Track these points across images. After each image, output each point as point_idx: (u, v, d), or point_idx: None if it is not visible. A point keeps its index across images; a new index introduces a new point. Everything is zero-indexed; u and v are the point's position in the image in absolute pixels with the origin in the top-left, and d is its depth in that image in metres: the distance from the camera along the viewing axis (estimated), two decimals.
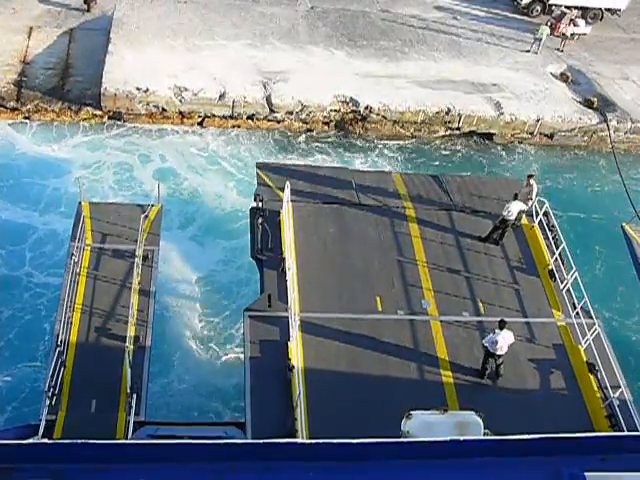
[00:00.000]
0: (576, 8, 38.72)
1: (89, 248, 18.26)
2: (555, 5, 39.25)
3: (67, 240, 18.76)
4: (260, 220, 18.95)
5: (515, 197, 19.32)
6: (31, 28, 32.92)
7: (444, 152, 31.16)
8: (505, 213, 19.19)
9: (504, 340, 16.21)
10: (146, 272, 17.67)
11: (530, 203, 20.12)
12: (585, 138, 32.73)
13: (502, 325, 16.26)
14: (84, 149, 28.03)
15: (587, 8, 39.21)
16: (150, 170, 27.36)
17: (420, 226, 20.03)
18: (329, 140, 30.55)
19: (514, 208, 19.18)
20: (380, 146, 30.77)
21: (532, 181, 20.46)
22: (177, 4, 35.52)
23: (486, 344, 16.40)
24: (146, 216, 18.88)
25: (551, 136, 32.46)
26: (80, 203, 19.41)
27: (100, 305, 16.93)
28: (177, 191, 26.79)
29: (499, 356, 16.44)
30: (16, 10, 33.97)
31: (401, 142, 31.22)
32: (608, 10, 40.00)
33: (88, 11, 34.63)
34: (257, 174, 21.09)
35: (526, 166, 30.37)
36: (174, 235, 23.99)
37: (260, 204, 19.58)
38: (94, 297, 17.08)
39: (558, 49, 36.57)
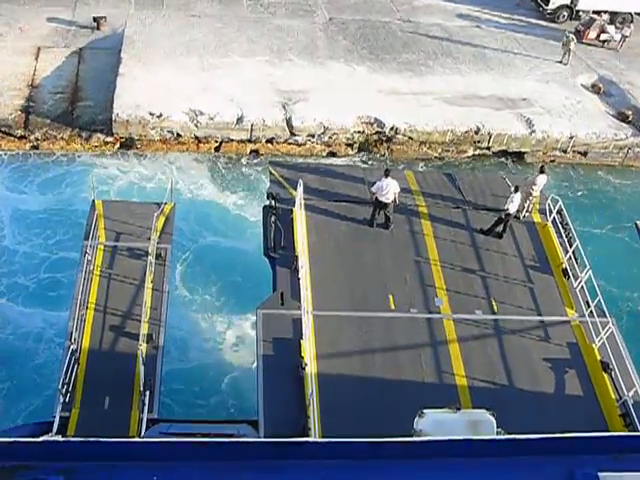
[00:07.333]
0: (605, 13, 36.05)
1: (102, 246, 18.59)
2: (583, 10, 36.62)
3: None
4: (273, 218, 19.25)
5: (516, 190, 19.50)
6: (39, 49, 31.69)
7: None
8: (509, 207, 19.38)
9: (389, 187, 17.94)
10: (159, 270, 18.01)
11: (533, 191, 20.27)
12: (620, 154, 30.56)
13: (387, 173, 18.23)
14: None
15: (616, 13, 36.57)
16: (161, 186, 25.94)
17: (433, 224, 20.11)
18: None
19: (516, 200, 19.43)
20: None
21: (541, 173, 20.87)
22: (190, 18, 33.98)
23: (374, 190, 18.21)
24: (159, 214, 19.19)
25: (585, 153, 30.65)
26: (93, 201, 19.73)
27: (113, 303, 17.31)
28: (190, 191, 26.56)
29: (386, 205, 18.24)
30: (23, 29, 32.79)
31: (428, 163, 29.07)
32: (639, 14, 37.35)
33: (98, 29, 33.14)
34: (270, 172, 21.31)
35: (558, 183, 28.30)
36: (187, 233, 24.03)
37: (273, 202, 19.80)
38: (107, 295, 17.46)
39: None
